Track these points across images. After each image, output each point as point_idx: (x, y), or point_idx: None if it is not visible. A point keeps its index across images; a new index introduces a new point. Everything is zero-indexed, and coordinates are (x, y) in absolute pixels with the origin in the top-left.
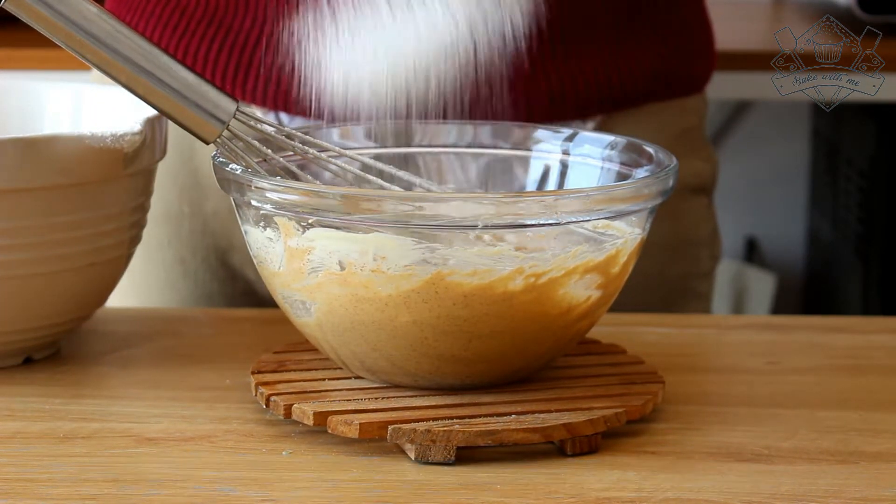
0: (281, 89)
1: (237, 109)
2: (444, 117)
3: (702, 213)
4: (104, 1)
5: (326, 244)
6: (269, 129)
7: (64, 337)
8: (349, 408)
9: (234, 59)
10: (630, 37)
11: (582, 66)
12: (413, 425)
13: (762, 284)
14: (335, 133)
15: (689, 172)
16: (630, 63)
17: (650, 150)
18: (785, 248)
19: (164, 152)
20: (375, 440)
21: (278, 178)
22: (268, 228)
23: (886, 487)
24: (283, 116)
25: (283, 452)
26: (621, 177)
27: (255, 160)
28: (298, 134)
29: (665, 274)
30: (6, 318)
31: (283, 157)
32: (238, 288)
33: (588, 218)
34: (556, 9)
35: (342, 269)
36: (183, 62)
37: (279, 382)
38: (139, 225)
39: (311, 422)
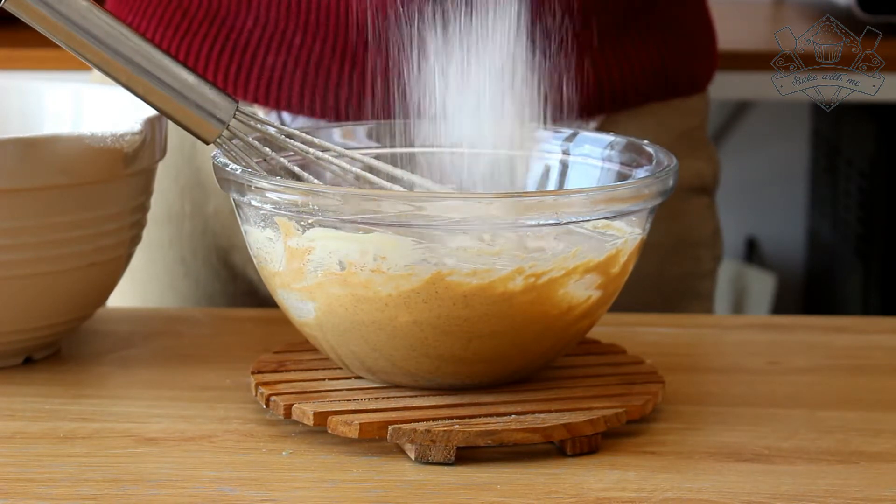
0: (283, 89)
1: (237, 109)
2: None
3: (703, 214)
4: (105, 1)
5: (326, 244)
6: (270, 129)
7: (64, 337)
8: (349, 408)
9: (236, 59)
10: (632, 37)
11: (583, 67)
12: (413, 425)
13: (762, 284)
14: (336, 133)
15: (691, 173)
16: (632, 63)
17: (650, 150)
18: (785, 248)
19: (164, 152)
20: (375, 440)
21: (278, 178)
22: (268, 228)
23: (886, 487)
24: (286, 116)
25: (283, 452)
26: (621, 177)
27: (255, 160)
28: (299, 134)
29: (667, 274)
30: (6, 318)
31: (283, 157)
32: (240, 288)
33: (588, 218)
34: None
35: (342, 269)
36: (183, 62)
37: (279, 382)
38: (139, 225)
39: (311, 422)
